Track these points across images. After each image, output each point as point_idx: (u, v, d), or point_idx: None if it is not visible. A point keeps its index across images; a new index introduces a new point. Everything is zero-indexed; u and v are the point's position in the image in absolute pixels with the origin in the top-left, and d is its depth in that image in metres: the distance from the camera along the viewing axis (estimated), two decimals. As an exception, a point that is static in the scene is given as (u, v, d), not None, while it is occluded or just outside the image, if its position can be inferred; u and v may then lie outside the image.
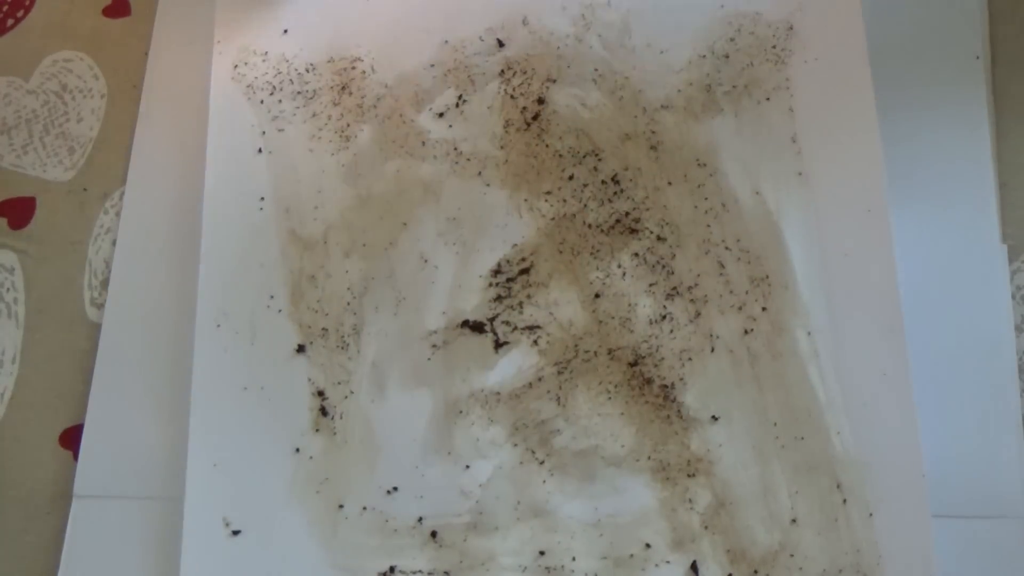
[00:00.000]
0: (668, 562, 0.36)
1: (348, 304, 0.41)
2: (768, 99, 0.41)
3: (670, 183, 0.40)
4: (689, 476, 0.37)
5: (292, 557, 0.37)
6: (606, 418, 0.38)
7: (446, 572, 0.37)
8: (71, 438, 0.41)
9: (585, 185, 0.41)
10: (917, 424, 0.36)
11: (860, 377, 0.37)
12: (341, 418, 0.39)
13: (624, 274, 0.39)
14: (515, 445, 0.38)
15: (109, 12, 0.48)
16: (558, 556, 0.37)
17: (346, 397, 0.39)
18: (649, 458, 0.37)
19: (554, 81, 0.42)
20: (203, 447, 0.39)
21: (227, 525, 0.38)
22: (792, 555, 0.36)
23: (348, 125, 0.43)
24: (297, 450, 0.39)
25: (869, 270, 0.38)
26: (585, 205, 0.41)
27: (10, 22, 0.48)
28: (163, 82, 0.46)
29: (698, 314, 0.39)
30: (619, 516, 0.37)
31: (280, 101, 0.44)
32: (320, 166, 0.43)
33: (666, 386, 0.38)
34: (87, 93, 0.46)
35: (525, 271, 0.40)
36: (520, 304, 0.40)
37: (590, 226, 0.40)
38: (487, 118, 0.42)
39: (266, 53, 0.45)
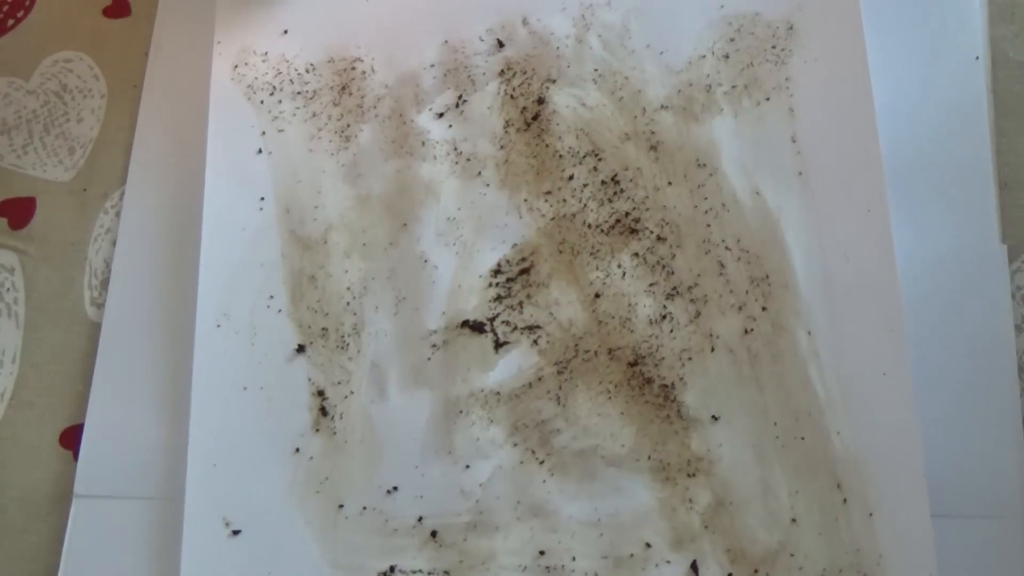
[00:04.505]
0: (668, 562, 0.36)
1: (348, 304, 0.41)
2: (768, 99, 0.41)
3: (670, 183, 0.40)
4: (689, 476, 0.37)
5: (292, 557, 0.37)
6: (606, 418, 0.38)
7: (446, 572, 0.37)
8: (71, 438, 0.41)
9: (585, 185, 0.41)
10: (917, 424, 0.36)
11: (860, 377, 0.37)
12: (341, 418, 0.39)
13: (624, 274, 0.39)
14: (515, 445, 0.38)
15: (109, 12, 0.48)
16: (558, 556, 0.37)
17: (346, 397, 0.39)
18: (649, 458, 0.37)
19: (554, 81, 0.42)
20: (203, 447, 0.39)
21: (227, 525, 0.38)
22: (792, 555, 0.36)
23: (348, 125, 0.43)
24: (297, 450, 0.39)
25: (869, 270, 0.38)
26: (585, 205, 0.41)
27: (10, 22, 0.48)
28: (163, 82, 0.46)
29: (698, 314, 0.39)
30: (619, 516, 0.37)
31: (280, 101, 0.44)
32: (320, 166, 0.43)
33: (666, 386, 0.38)
34: (87, 93, 0.46)
35: (525, 271, 0.40)
36: (520, 304, 0.40)
37: (590, 226, 0.40)
38: (487, 118, 0.43)
39: (266, 53, 0.45)
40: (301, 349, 0.40)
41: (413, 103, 0.43)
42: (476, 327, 0.40)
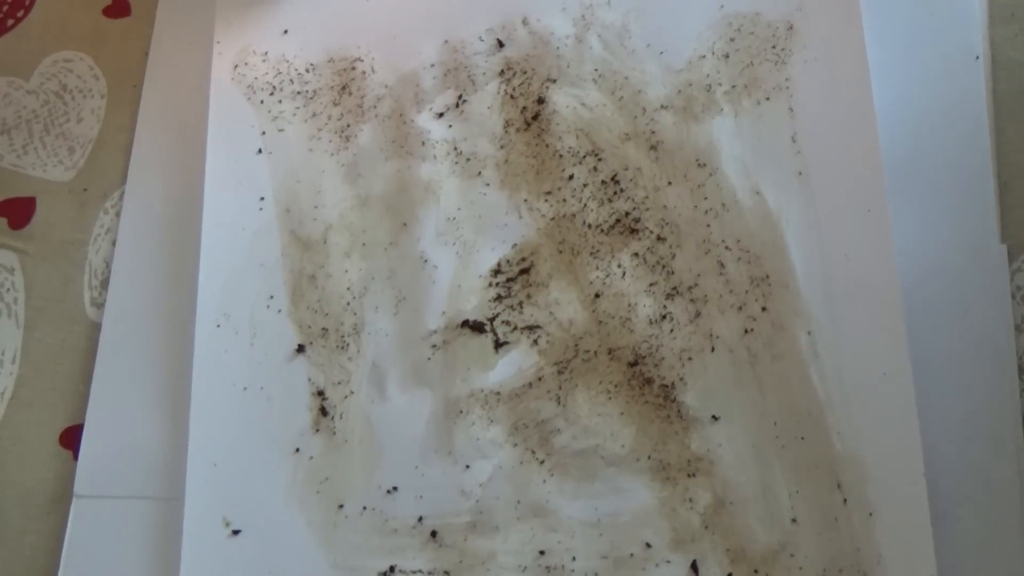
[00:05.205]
0: (668, 562, 0.36)
1: (348, 304, 0.41)
2: (768, 99, 0.41)
3: (670, 183, 0.40)
4: (689, 476, 0.37)
5: (292, 557, 0.37)
6: (606, 418, 0.38)
7: (446, 572, 0.37)
8: (71, 438, 0.41)
9: (585, 185, 0.41)
10: (917, 424, 0.36)
11: (860, 377, 0.37)
12: (341, 418, 0.39)
13: (624, 274, 0.39)
14: (515, 445, 0.38)
15: (109, 12, 0.48)
16: (558, 556, 0.37)
17: (346, 397, 0.39)
18: (649, 458, 0.37)
19: (554, 81, 0.42)
20: (203, 447, 0.39)
21: (227, 525, 0.38)
22: (792, 555, 0.36)
23: (348, 125, 0.43)
24: (297, 450, 0.39)
25: (869, 270, 0.38)
26: (585, 205, 0.41)
27: (10, 22, 0.48)
28: (163, 82, 0.46)
29: (698, 314, 0.39)
30: (619, 516, 0.37)
31: (280, 101, 0.44)
32: (320, 166, 0.43)
33: (666, 386, 0.38)
34: (87, 93, 0.46)
35: (525, 271, 0.40)
36: (520, 304, 0.40)
37: (590, 226, 0.40)
38: (487, 118, 0.43)
39: (266, 53, 0.45)
40: (301, 349, 0.40)
41: (413, 103, 0.43)
42: (476, 327, 0.40)
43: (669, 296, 0.39)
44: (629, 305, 0.39)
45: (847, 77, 0.40)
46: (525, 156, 0.42)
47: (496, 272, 0.40)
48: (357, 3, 0.45)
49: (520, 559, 0.37)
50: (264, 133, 0.43)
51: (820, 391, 0.37)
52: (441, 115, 0.43)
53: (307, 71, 0.44)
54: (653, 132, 0.41)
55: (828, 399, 0.37)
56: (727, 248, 0.39)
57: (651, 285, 0.39)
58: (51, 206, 0.45)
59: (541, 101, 0.42)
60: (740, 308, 0.39)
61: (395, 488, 0.38)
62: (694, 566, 0.36)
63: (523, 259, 0.40)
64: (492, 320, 0.40)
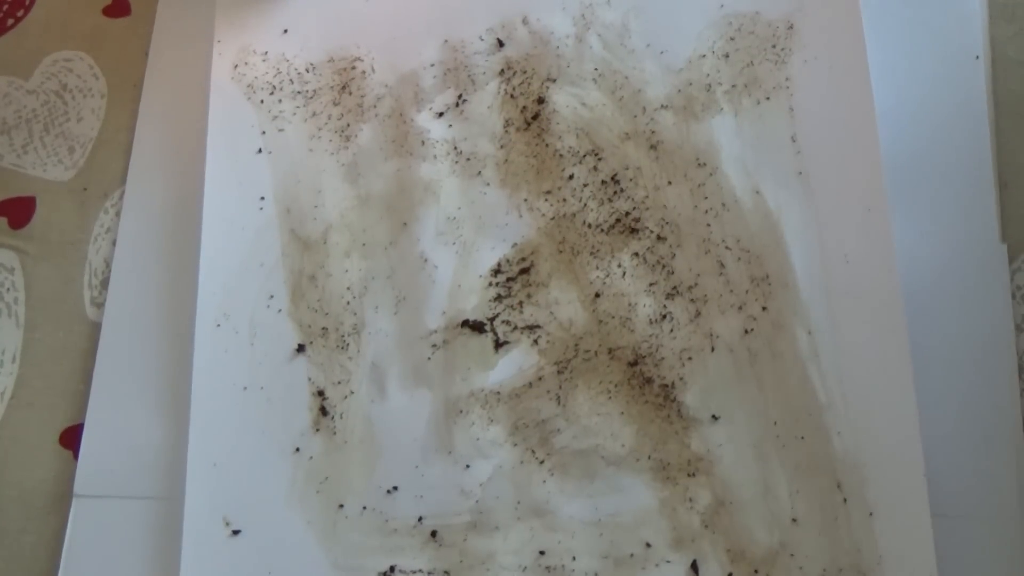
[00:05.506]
0: (668, 561, 0.36)
1: (348, 304, 0.41)
2: (768, 98, 0.41)
3: (670, 183, 0.40)
4: (689, 475, 0.37)
5: (292, 557, 0.37)
6: (606, 418, 0.38)
7: (446, 572, 0.37)
8: (71, 438, 0.41)
9: (585, 185, 0.41)
10: (917, 424, 0.36)
11: (860, 377, 0.37)
12: (341, 418, 0.39)
13: (624, 274, 0.39)
14: (515, 445, 0.38)
15: (109, 12, 0.48)
16: (558, 555, 0.37)
17: (346, 397, 0.39)
18: (649, 457, 0.37)
19: (554, 81, 0.42)
20: (203, 447, 0.39)
21: (227, 525, 0.38)
22: (792, 555, 0.36)
23: (348, 125, 0.43)
24: (297, 450, 0.39)
25: (869, 270, 0.38)
26: (585, 205, 0.41)
27: (10, 22, 0.48)
28: (163, 82, 0.46)
29: (698, 314, 0.39)
30: (619, 515, 0.37)
31: (280, 101, 0.44)
32: (320, 166, 0.43)
33: (666, 385, 0.38)
34: (87, 93, 0.46)
35: (525, 271, 0.40)
36: (520, 304, 0.40)
37: (590, 226, 0.40)
38: (487, 118, 0.43)
39: (266, 53, 0.45)
40: (301, 349, 0.40)
41: (413, 102, 0.43)
42: (476, 327, 0.40)
43: (669, 296, 0.39)
44: (629, 305, 0.39)
45: (847, 77, 0.40)
46: (525, 156, 0.42)
47: (496, 272, 0.40)
48: (357, 3, 0.45)
49: (520, 559, 0.37)
50: (264, 133, 0.43)
51: (820, 391, 0.37)
52: (441, 115, 0.43)
53: (307, 71, 0.44)
54: (653, 131, 0.41)
55: (828, 399, 0.37)
56: (727, 248, 0.39)
57: (651, 285, 0.39)
58: (51, 206, 0.45)
59: (541, 101, 0.42)
60: (740, 308, 0.39)
61: (395, 488, 0.38)
62: (694, 566, 0.36)
63: (523, 259, 0.40)
64: (492, 320, 0.40)
